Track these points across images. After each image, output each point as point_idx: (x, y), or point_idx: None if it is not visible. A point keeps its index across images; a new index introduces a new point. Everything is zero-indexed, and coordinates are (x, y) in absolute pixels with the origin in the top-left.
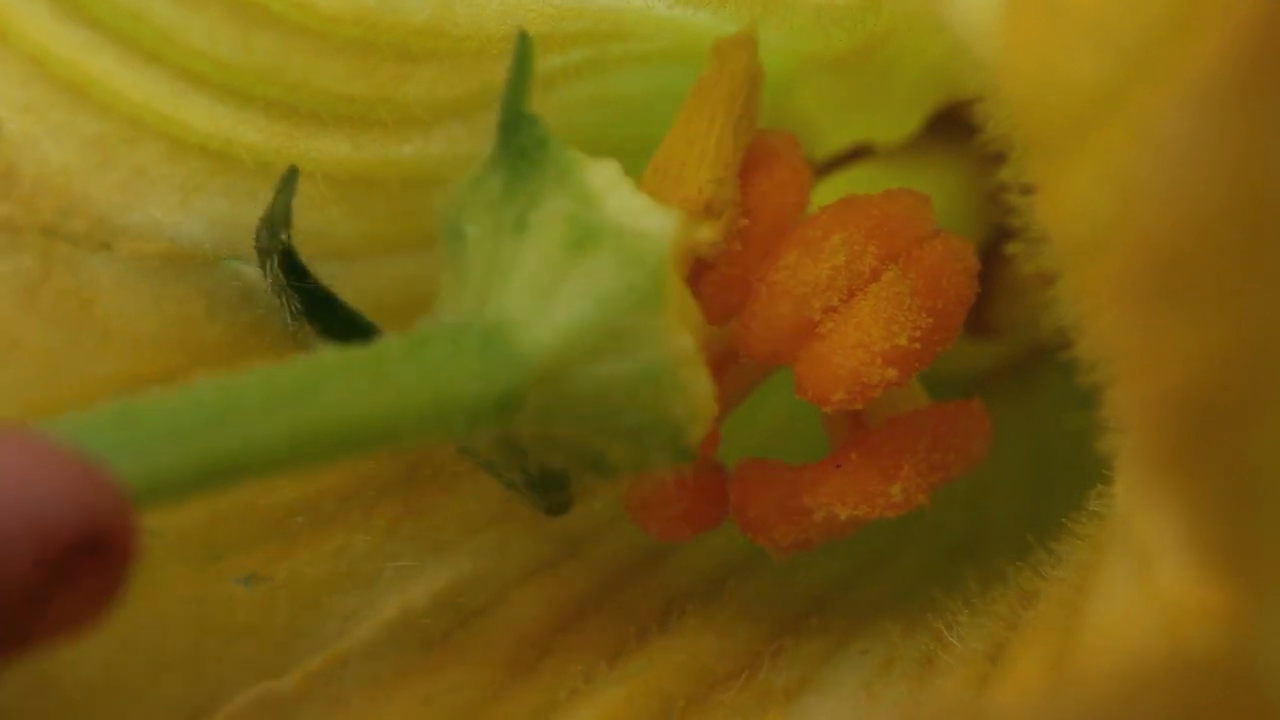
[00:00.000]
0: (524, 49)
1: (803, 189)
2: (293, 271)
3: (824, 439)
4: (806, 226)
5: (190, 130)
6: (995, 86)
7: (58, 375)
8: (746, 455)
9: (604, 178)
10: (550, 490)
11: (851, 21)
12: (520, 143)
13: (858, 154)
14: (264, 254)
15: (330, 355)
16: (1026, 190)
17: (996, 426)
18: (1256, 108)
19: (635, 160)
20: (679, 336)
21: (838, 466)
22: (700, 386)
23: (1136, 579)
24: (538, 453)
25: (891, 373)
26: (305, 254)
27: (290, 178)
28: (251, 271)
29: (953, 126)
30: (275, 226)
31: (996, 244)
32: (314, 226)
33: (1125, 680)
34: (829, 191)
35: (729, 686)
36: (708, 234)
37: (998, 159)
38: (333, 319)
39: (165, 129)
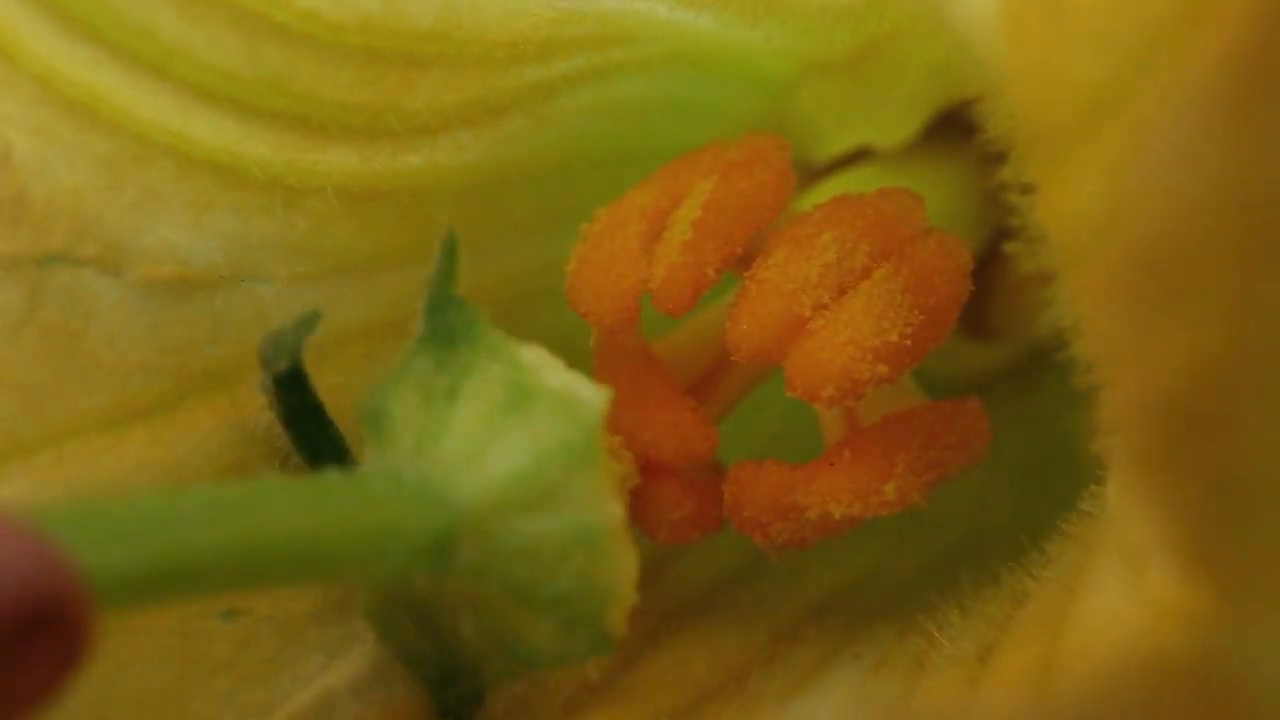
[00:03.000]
0: (450, 245)
1: (782, 192)
2: (294, 392)
3: (822, 440)
4: (798, 224)
5: (199, 146)
6: (996, 87)
7: (42, 410)
8: (746, 458)
9: (536, 355)
10: (459, 682)
11: (853, 22)
12: (449, 322)
13: (858, 156)
14: (269, 369)
15: (275, 479)
16: (1026, 190)
17: (996, 428)
18: (1255, 111)
19: (636, 170)
20: (611, 502)
21: (831, 465)
22: (627, 560)
23: (1125, 580)
24: (456, 628)
25: (882, 369)
26: (319, 272)
27: (312, 318)
28: (264, 290)
29: (952, 127)
30: (283, 350)
31: (995, 244)
32: (325, 244)
33: (1109, 681)
34: (828, 193)
35: (719, 698)
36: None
37: (997, 159)
38: (324, 446)
39: (174, 145)
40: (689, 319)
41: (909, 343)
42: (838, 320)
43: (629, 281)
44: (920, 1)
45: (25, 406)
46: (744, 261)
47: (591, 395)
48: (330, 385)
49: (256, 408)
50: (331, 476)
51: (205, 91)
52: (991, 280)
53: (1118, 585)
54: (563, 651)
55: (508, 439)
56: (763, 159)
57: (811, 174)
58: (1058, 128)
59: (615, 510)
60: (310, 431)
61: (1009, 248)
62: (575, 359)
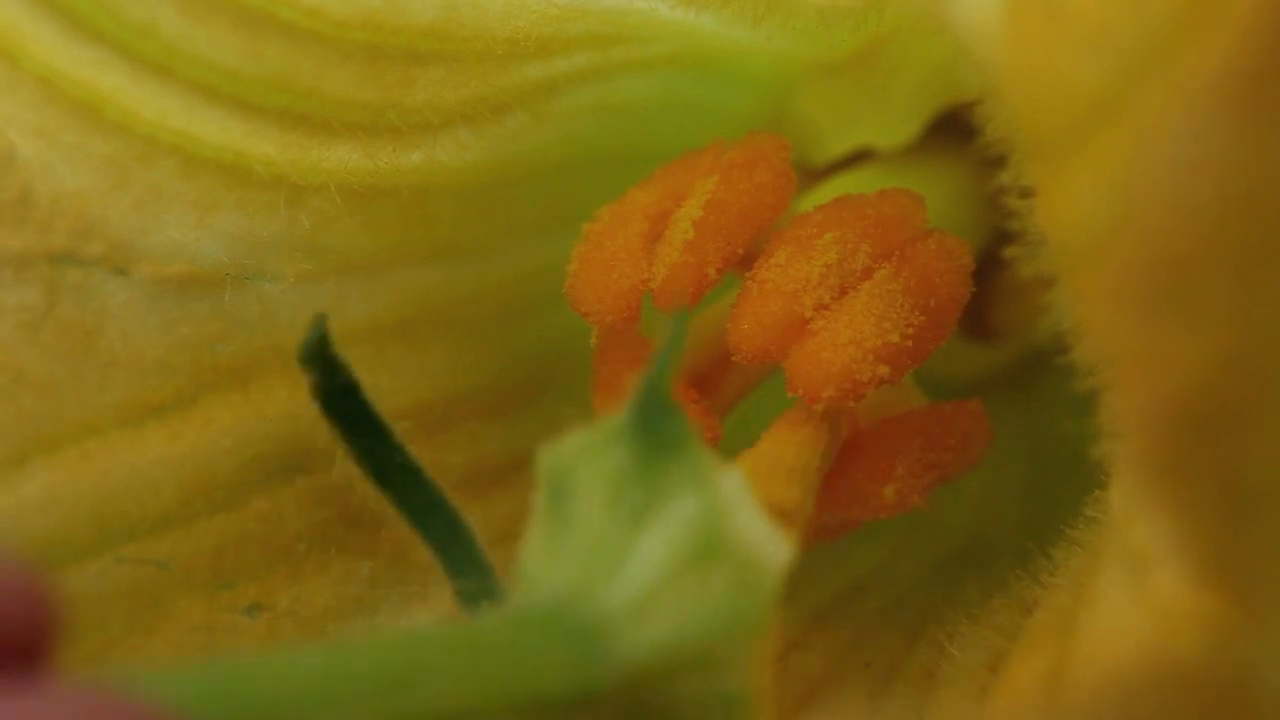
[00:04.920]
0: (679, 326)
1: (783, 192)
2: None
3: None
4: (799, 225)
5: (203, 145)
6: (996, 89)
7: (62, 406)
8: None
9: (734, 490)
10: None
11: (854, 23)
12: (659, 430)
13: (858, 157)
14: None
15: (434, 632)
16: (1026, 194)
17: (997, 432)
18: (1260, 115)
19: (637, 170)
20: (763, 670)
21: (830, 466)
22: (763, 716)
23: (1131, 586)
24: None
25: (883, 369)
26: (322, 271)
27: (318, 318)
28: (271, 289)
29: (953, 129)
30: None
31: (995, 247)
32: (330, 242)
33: (1119, 688)
34: (829, 194)
35: None
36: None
37: (997, 162)
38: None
39: (178, 145)
40: (690, 319)
41: (910, 343)
42: (839, 320)
43: (630, 281)
44: (920, 3)
45: (46, 404)
46: (745, 261)
47: (774, 555)
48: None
49: (272, 404)
50: (488, 625)
51: (208, 90)
52: (992, 282)
53: (1124, 592)
54: None
55: (681, 597)
56: (764, 159)
57: (812, 175)
58: (1057, 131)
59: (764, 678)
60: (362, 431)
61: (1009, 252)
62: (576, 359)
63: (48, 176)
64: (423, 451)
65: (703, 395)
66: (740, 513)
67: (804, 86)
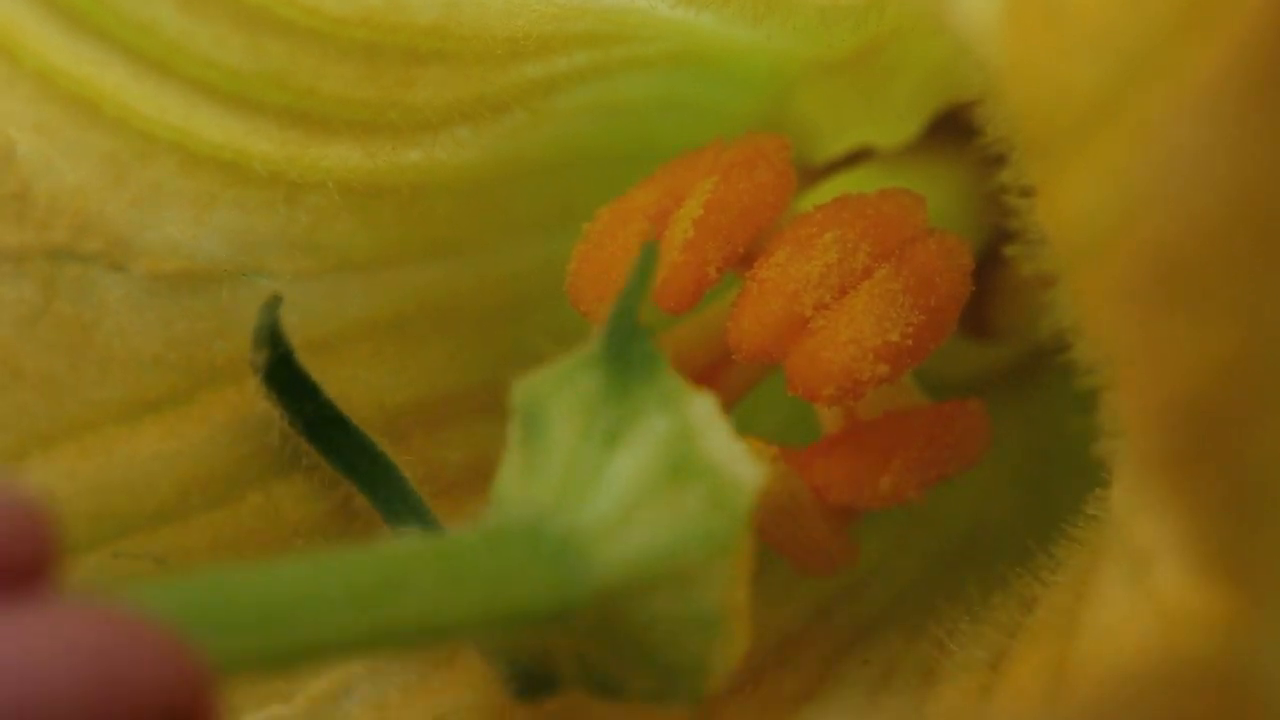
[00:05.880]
0: (649, 256)
1: (783, 191)
2: (292, 389)
3: None
4: (799, 224)
5: (202, 142)
6: (996, 89)
7: (60, 402)
8: None
9: (705, 411)
10: (533, 686)
11: (854, 22)
12: (629, 354)
13: (858, 157)
14: (258, 369)
15: (412, 547)
16: (1026, 193)
17: (998, 430)
18: (1264, 113)
19: (636, 169)
20: (737, 590)
21: (828, 453)
22: (738, 639)
23: (1133, 584)
24: (551, 659)
25: (883, 368)
26: (321, 268)
27: (275, 302)
28: (269, 286)
29: (953, 128)
30: (262, 343)
31: (996, 246)
32: (328, 240)
33: (1122, 685)
34: (829, 194)
35: (734, 699)
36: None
37: (998, 161)
38: (339, 439)
39: (177, 142)
40: (690, 318)
41: (910, 342)
42: (839, 320)
43: None
44: (921, 3)
45: (43, 398)
46: (745, 261)
47: (747, 478)
48: (337, 380)
49: (266, 401)
50: (467, 539)
51: (207, 88)
52: (993, 281)
53: (1126, 589)
54: (653, 696)
55: (654, 513)
56: (763, 158)
57: (812, 174)
58: (1058, 130)
59: (739, 598)
60: (312, 414)
61: (1009, 250)
62: None
63: (47, 172)
64: (422, 448)
65: None
66: (712, 434)
67: (804, 86)
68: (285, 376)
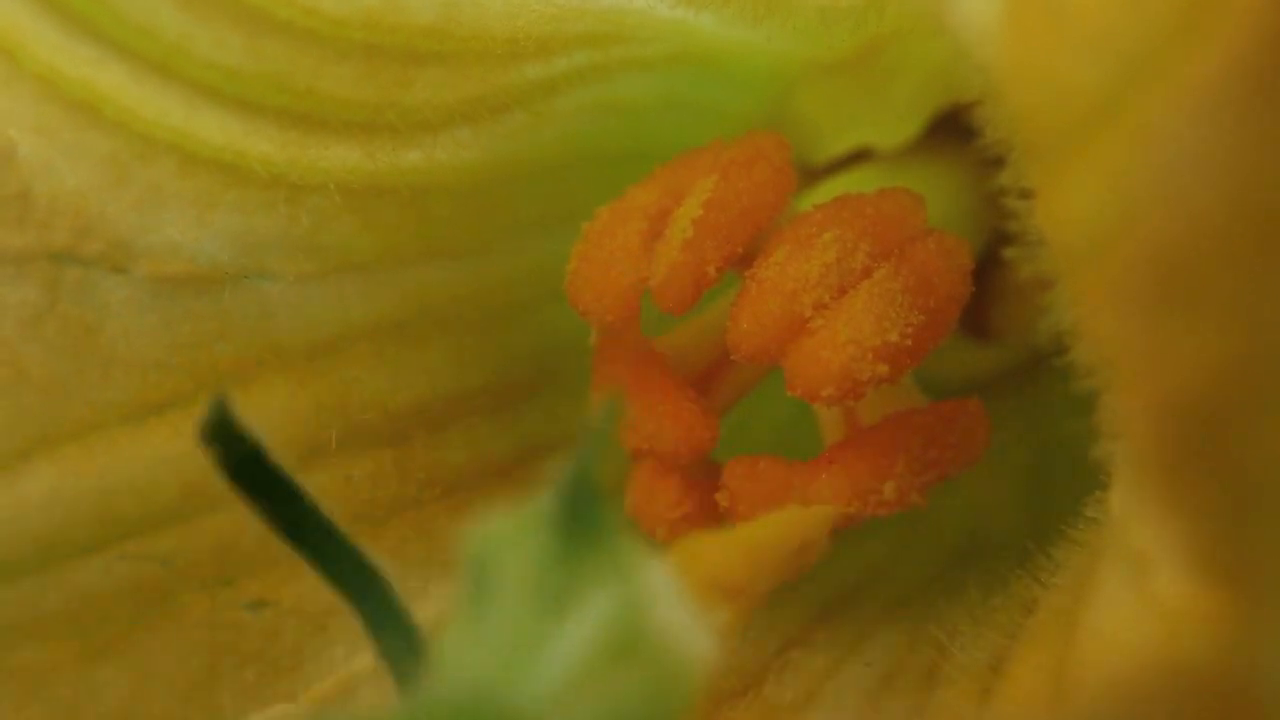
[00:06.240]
0: (610, 414)
1: (782, 190)
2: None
3: (822, 442)
4: (798, 224)
5: (202, 144)
6: (996, 90)
7: (65, 403)
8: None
9: (658, 580)
10: None
11: (853, 23)
12: (584, 518)
13: (858, 157)
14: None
15: None
16: (1025, 194)
17: (997, 432)
18: (1260, 115)
19: (636, 170)
20: None
21: (831, 462)
22: None
23: (1133, 586)
24: None
25: (882, 368)
26: (322, 269)
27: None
28: (270, 288)
29: (952, 130)
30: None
31: (995, 248)
32: (328, 241)
33: (1122, 687)
34: (828, 194)
35: (736, 703)
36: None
37: (997, 163)
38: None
39: (177, 144)
40: (690, 318)
41: (909, 342)
42: (838, 320)
43: (630, 280)
44: (920, 4)
45: (49, 400)
46: (745, 260)
47: (697, 649)
48: (339, 382)
49: (271, 401)
50: (410, 713)
51: (208, 90)
52: (992, 283)
53: (1125, 591)
54: None
55: (599, 692)
56: (763, 158)
57: (811, 174)
58: (1057, 132)
59: None
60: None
61: (1008, 252)
62: (575, 357)
63: (47, 174)
64: (423, 449)
65: (701, 394)
66: (663, 604)
67: (804, 86)
68: (257, 475)
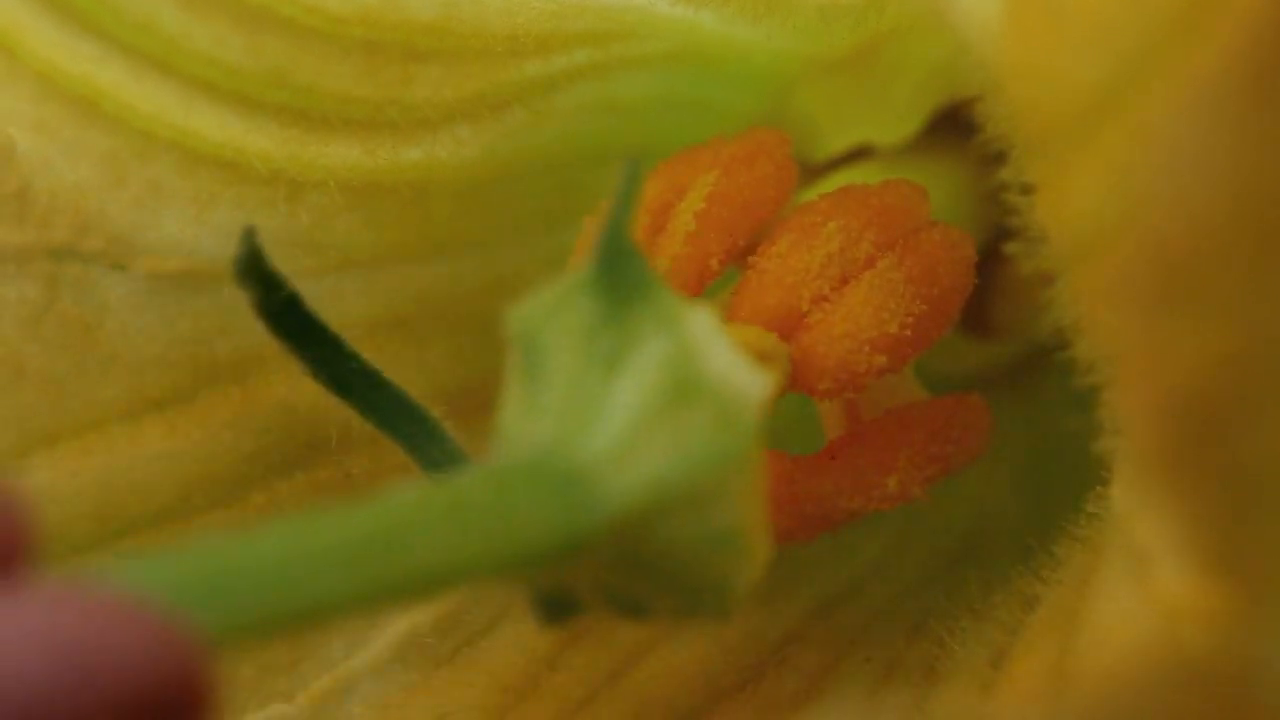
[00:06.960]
0: (632, 173)
1: (784, 184)
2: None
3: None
4: (803, 212)
5: (202, 140)
6: (996, 86)
7: (63, 401)
8: None
9: (704, 327)
10: (557, 612)
11: (854, 21)
12: (623, 276)
13: (858, 154)
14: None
15: (412, 495)
16: (1026, 190)
17: (998, 427)
18: (1262, 111)
19: None
20: (755, 504)
21: (832, 458)
22: (761, 552)
23: (1134, 581)
24: (573, 584)
25: (881, 360)
26: (322, 267)
27: (249, 231)
28: None
29: (953, 126)
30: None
31: (995, 244)
32: (328, 238)
33: (1124, 683)
34: (830, 188)
35: (735, 698)
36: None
37: (998, 159)
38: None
39: (177, 141)
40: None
41: (909, 333)
42: (834, 314)
43: None
44: (920, 1)
45: (47, 398)
46: (748, 252)
47: (752, 389)
48: None
49: (270, 399)
50: (469, 484)
51: (208, 86)
52: (993, 278)
53: (1127, 587)
54: (678, 615)
55: (660, 438)
56: (764, 153)
57: (812, 172)
58: (1058, 128)
59: (756, 512)
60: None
61: (1009, 248)
62: None
63: (46, 171)
64: None
65: None
66: (712, 350)
67: (804, 84)
68: (295, 321)
